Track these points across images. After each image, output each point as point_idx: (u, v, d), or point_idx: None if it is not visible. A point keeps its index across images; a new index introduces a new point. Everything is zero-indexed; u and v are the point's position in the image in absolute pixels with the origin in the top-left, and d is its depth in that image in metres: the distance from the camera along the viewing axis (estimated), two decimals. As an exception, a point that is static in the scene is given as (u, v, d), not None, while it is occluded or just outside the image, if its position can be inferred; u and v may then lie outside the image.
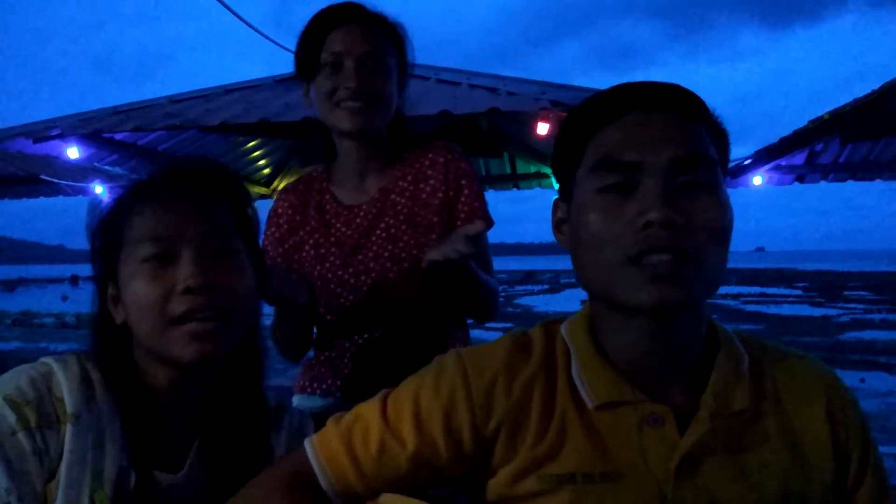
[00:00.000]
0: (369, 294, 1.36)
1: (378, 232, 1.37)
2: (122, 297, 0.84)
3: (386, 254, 1.36)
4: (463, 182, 1.39)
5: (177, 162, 0.92)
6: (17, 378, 0.79)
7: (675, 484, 0.72)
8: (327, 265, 1.38)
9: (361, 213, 1.39)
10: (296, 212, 1.43)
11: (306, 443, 0.83)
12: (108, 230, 0.87)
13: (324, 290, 1.39)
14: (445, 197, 1.38)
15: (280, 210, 1.45)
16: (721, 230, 0.71)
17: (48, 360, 0.83)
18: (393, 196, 1.39)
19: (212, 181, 0.89)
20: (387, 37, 1.36)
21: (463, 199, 1.38)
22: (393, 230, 1.36)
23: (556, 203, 0.84)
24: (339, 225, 1.39)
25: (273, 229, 1.44)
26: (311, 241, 1.40)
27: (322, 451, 0.81)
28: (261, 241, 0.95)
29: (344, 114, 1.31)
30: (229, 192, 0.90)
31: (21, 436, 0.76)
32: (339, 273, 1.37)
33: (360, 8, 1.34)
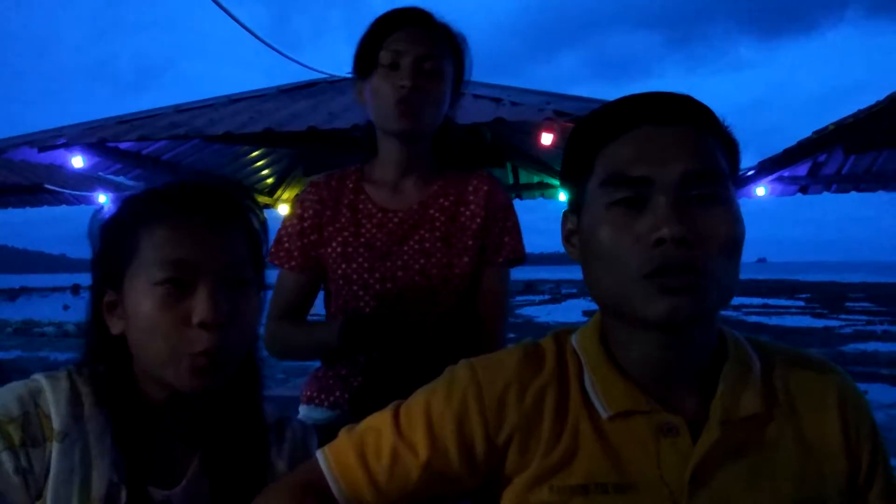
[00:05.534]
0: (391, 303, 1.35)
1: (411, 243, 1.36)
2: (126, 309, 0.82)
3: (417, 266, 1.35)
4: (499, 215, 1.40)
5: (195, 178, 0.91)
6: (4, 396, 0.78)
7: (690, 494, 0.72)
8: (354, 266, 1.36)
9: (396, 220, 1.38)
10: (325, 206, 1.41)
11: (319, 453, 0.82)
12: (116, 237, 0.85)
13: (345, 290, 1.38)
14: (483, 223, 1.38)
15: (307, 203, 1.42)
16: (733, 243, 0.71)
17: (39, 376, 0.82)
18: (432, 211, 1.38)
19: (230, 204, 0.87)
20: (447, 44, 1.36)
21: (496, 230, 1.39)
22: (427, 244, 1.36)
23: (565, 215, 0.83)
24: (370, 227, 1.38)
25: (295, 221, 1.42)
26: (339, 239, 1.38)
27: (335, 461, 0.80)
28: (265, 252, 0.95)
29: (395, 113, 1.30)
30: (245, 215, 0.89)
31: (4, 455, 0.74)
32: (365, 276, 1.36)
33: (426, 14, 1.35)
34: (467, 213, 1.39)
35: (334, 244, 1.38)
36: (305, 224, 1.41)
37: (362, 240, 1.37)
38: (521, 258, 1.42)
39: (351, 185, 1.42)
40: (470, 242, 1.37)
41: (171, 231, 0.82)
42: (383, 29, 1.33)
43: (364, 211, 1.39)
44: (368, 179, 1.43)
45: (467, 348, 1.36)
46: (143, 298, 0.80)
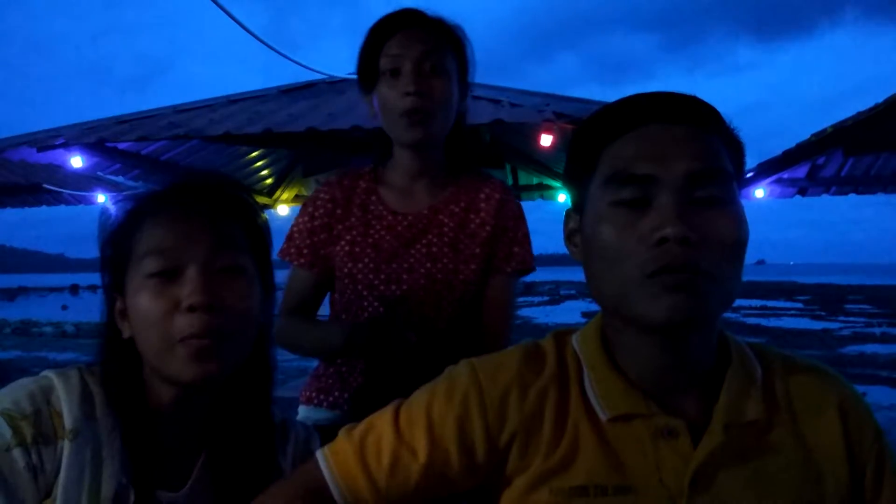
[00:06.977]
0: (394, 306, 1.34)
1: (419, 246, 1.36)
2: (128, 310, 0.83)
3: (422, 270, 1.35)
4: (510, 224, 1.40)
5: (188, 175, 0.90)
6: (16, 392, 0.78)
7: (689, 497, 0.72)
8: (360, 265, 1.36)
9: (406, 223, 1.38)
10: (337, 205, 1.41)
11: (318, 454, 0.82)
12: (117, 241, 0.85)
13: (350, 289, 1.38)
14: (493, 231, 1.38)
15: (319, 202, 1.42)
16: (736, 245, 0.71)
17: (50, 373, 0.82)
18: (441, 216, 1.38)
19: (223, 196, 0.87)
20: (445, 38, 1.34)
21: (506, 240, 1.39)
22: (434, 249, 1.36)
23: (567, 214, 0.83)
24: (379, 228, 1.38)
25: (306, 218, 1.42)
26: (347, 238, 1.38)
27: (335, 463, 0.80)
28: (274, 254, 0.95)
29: (404, 124, 1.30)
30: (240, 208, 0.88)
31: (16, 452, 0.74)
32: (370, 277, 1.36)
33: (417, 13, 1.34)
34: (477, 220, 1.39)
35: (342, 243, 1.39)
36: (315, 223, 1.41)
37: (370, 240, 1.37)
38: (530, 269, 1.42)
39: (364, 186, 1.43)
40: (477, 250, 1.37)
41: (158, 222, 0.82)
42: (379, 38, 1.32)
43: (375, 212, 1.40)
44: (381, 181, 1.43)
45: (471, 355, 1.36)
46: (137, 293, 0.81)
